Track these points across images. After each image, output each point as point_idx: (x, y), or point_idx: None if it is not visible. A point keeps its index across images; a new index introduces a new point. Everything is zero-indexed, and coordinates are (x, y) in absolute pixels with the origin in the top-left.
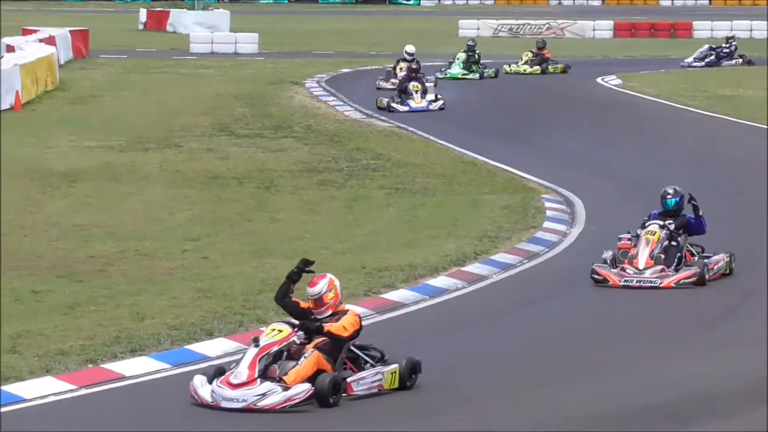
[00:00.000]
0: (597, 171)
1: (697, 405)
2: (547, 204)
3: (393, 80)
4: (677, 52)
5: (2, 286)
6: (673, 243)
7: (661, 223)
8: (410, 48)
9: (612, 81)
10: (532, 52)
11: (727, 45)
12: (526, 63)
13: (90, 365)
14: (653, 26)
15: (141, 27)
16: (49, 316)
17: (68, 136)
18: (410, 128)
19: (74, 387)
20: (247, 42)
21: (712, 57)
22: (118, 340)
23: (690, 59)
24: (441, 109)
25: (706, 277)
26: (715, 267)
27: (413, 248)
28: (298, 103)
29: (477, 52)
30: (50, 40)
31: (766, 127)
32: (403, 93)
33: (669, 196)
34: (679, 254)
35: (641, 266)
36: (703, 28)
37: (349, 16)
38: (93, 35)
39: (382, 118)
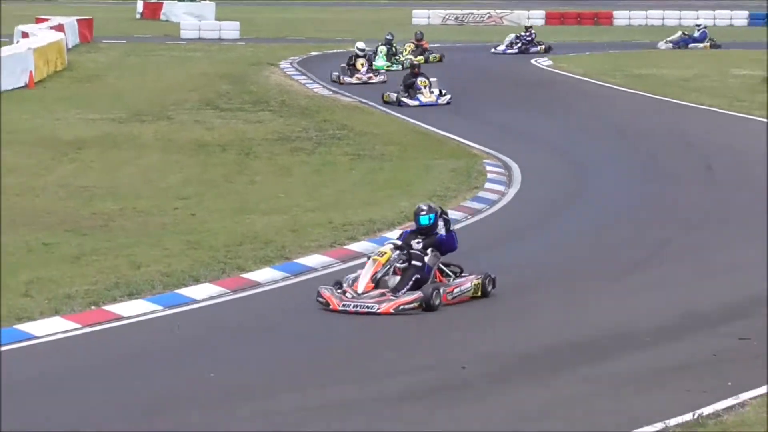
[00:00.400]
0: (531, 140)
1: (617, 341)
2: (488, 168)
3: (358, 75)
4: (599, 37)
5: (18, 239)
6: (414, 263)
7: (398, 243)
8: (360, 44)
9: (544, 62)
10: (413, 43)
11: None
12: (410, 53)
13: (93, 307)
14: (579, 15)
15: (138, 16)
16: (58, 264)
17: (75, 110)
18: (370, 103)
19: (79, 326)
20: (230, 29)
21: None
22: (118, 285)
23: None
24: (448, 103)
25: (435, 302)
26: (456, 290)
27: (373, 206)
28: (273, 81)
29: (394, 45)
30: (59, 28)
31: (675, 101)
32: (410, 88)
33: (422, 213)
34: (417, 276)
35: (360, 290)
36: (622, 17)
37: (318, 7)
38: (96, 23)
39: (346, 94)
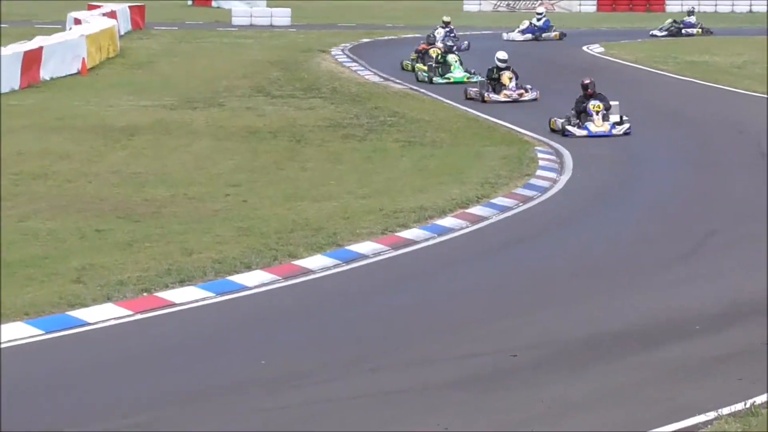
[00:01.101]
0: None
1: (665, 330)
2: (540, 155)
3: (506, 92)
4: (652, 23)
5: (70, 225)
6: None
7: None
8: (502, 54)
9: (596, 49)
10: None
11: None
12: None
13: (145, 294)
14: (631, 2)
15: (190, 3)
16: (110, 251)
17: (127, 96)
18: (422, 90)
19: (131, 312)
20: (281, 16)
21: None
22: (169, 272)
23: (656, 31)
24: (626, 133)
25: None
26: None
27: (424, 193)
28: (325, 68)
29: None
30: (111, 14)
31: (727, 88)
32: (582, 113)
33: None
34: None
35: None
36: (674, 3)
37: None
38: (148, 10)
39: (398, 81)
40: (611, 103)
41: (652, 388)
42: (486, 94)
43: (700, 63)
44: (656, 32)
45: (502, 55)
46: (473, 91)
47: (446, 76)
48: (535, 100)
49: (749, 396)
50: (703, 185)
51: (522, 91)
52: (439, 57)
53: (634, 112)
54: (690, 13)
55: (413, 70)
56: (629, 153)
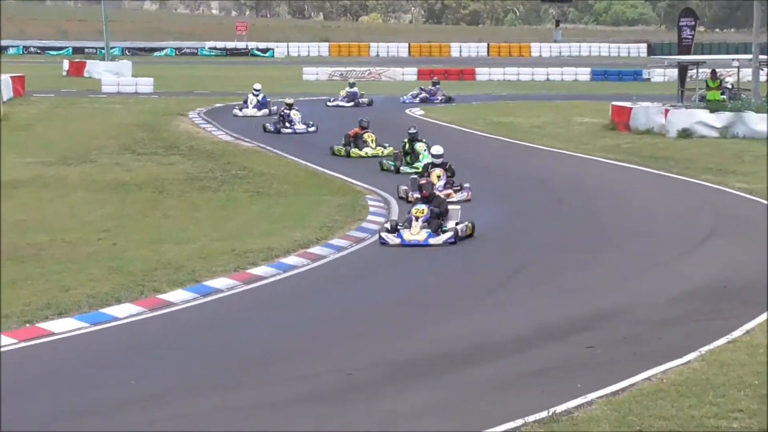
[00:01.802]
0: (406, 179)
1: (480, 350)
2: (370, 202)
3: (245, 110)
4: (464, 90)
5: None
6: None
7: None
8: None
9: (417, 112)
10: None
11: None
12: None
13: (28, 325)
14: (447, 71)
15: (65, 73)
16: None
17: (11, 154)
18: (267, 147)
19: (15, 341)
20: (145, 84)
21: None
22: (49, 305)
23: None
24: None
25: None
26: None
27: (271, 236)
28: (183, 129)
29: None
30: None
31: (529, 144)
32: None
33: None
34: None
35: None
36: (483, 73)
37: (221, 65)
38: (28, 80)
39: (246, 139)
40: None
41: (470, 401)
42: (410, 194)
43: (506, 123)
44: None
45: (436, 150)
46: (403, 189)
47: (415, 165)
48: (467, 201)
49: (551, 405)
50: (511, 227)
51: (450, 191)
52: (407, 146)
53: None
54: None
55: (347, 155)
56: None
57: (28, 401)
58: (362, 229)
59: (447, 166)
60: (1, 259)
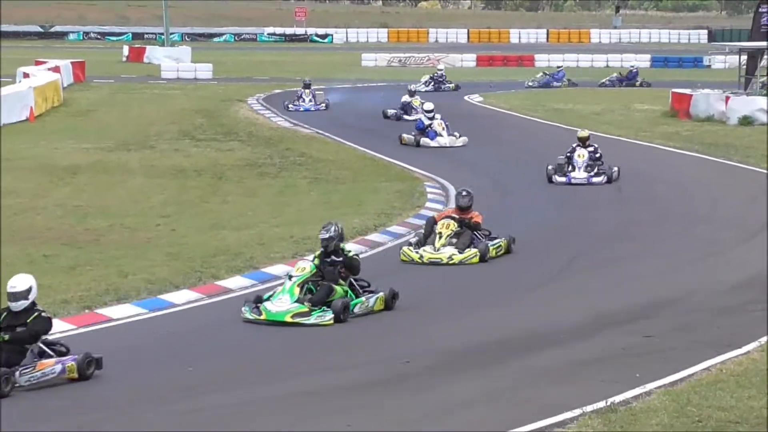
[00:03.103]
0: (465, 165)
1: (537, 339)
2: (428, 189)
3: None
4: (523, 76)
5: (20, 252)
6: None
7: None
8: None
9: (476, 99)
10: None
11: (558, 71)
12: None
13: (87, 311)
14: (505, 58)
15: (124, 59)
16: (56, 274)
17: (70, 140)
18: (326, 133)
19: (75, 327)
20: (204, 70)
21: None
22: (108, 291)
23: (528, 82)
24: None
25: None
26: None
27: None
28: (242, 115)
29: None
30: (56, 69)
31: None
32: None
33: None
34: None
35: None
36: (542, 60)
37: (280, 51)
38: (88, 65)
39: (305, 126)
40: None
41: (526, 390)
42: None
43: (566, 110)
44: (530, 83)
45: (428, 106)
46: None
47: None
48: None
49: (609, 395)
50: (571, 215)
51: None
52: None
53: (509, 153)
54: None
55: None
56: (505, 188)
57: (86, 387)
58: (420, 216)
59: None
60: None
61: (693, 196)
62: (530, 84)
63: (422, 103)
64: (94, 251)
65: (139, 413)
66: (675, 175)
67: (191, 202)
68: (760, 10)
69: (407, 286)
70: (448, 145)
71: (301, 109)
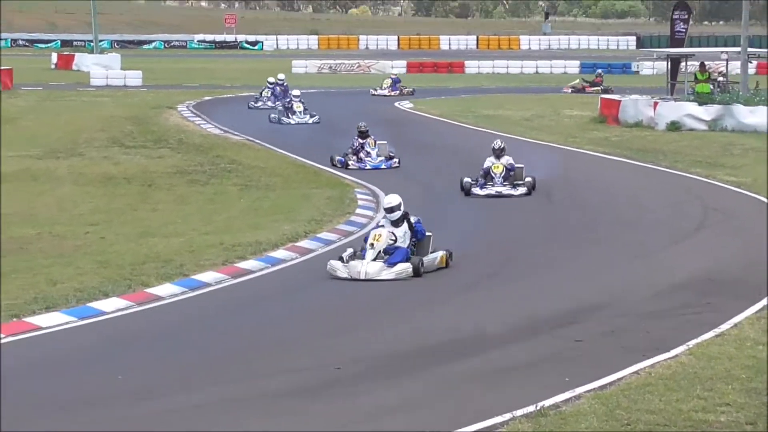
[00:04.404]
0: (395, 172)
1: (466, 344)
2: (359, 196)
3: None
4: (453, 83)
5: None
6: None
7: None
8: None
9: (406, 105)
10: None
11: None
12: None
13: (14, 319)
14: (435, 64)
15: (53, 66)
16: None
17: None
18: (257, 140)
19: (2, 335)
20: (134, 77)
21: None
22: (36, 300)
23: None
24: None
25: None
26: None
27: (259, 229)
28: (172, 122)
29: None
30: None
31: (519, 138)
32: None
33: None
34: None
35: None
36: (472, 66)
37: (210, 58)
38: (16, 72)
39: (235, 133)
40: (518, 165)
41: (456, 395)
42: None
43: (496, 116)
44: (566, 90)
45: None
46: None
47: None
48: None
49: (539, 399)
50: (498, 220)
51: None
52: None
53: (439, 159)
54: (599, 74)
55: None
56: (436, 194)
57: (14, 395)
58: (350, 223)
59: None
60: None
61: (622, 202)
62: (566, 91)
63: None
64: (21, 259)
65: (74, 422)
66: (604, 181)
67: (120, 210)
68: (674, 17)
69: (335, 292)
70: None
71: (368, 166)
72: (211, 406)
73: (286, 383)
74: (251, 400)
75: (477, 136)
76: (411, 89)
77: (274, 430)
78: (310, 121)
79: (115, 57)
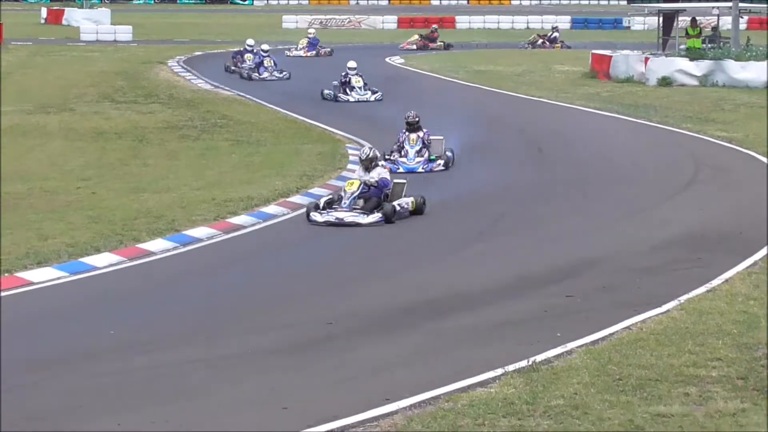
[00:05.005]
0: (387, 126)
1: (460, 300)
2: (350, 151)
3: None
4: (445, 38)
5: None
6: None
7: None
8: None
9: (397, 60)
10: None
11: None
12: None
13: (6, 274)
14: (426, 20)
15: (42, 21)
16: None
17: None
18: (247, 95)
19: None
20: (124, 33)
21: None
22: (28, 254)
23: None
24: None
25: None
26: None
27: (250, 185)
28: (163, 77)
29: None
30: None
31: (509, 93)
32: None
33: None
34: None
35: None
36: (463, 21)
37: (200, 13)
38: (5, 27)
39: (226, 88)
40: (434, 137)
41: (448, 350)
42: (339, 95)
43: (486, 72)
44: (525, 45)
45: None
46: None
47: (351, 95)
48: (380, 100)
49: (530, 355)
50: (491, 176)
51: (369, 93)
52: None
53: (432, 114)
54: (554, 28)
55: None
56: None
57: (7, 350)
58: (342, 178)
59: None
60: None
61: (614, 157)
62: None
63: None
64: (13, 215)
65: (66, 375)
66: (595, 136)
67: (111, 165)
68: None
69: (327, 247)
70: (363, 99)
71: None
72: (202, 361)
73: (280, 339)
74: (243, 356)
75: (468, 91)
76: (329, 49)
77: (269, 387)
78: (372, 98)
79: (105, 12)
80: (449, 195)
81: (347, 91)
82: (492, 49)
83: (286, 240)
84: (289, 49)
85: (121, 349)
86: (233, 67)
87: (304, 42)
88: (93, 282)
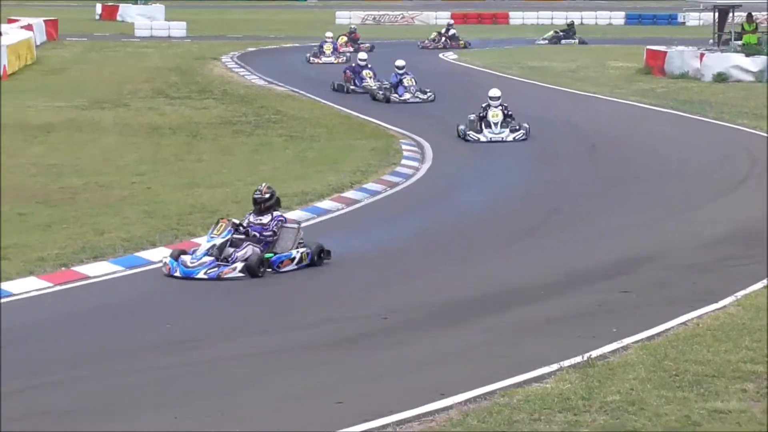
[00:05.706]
0: (440, 122)
1: (515, 295)
2: (404, 147)
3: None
4: (498, 35)
5: None
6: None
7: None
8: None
9: (450, 56)
10: (345, 36)
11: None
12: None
13: (63, 268)
14: (480, 15)
15: (97, 17)
16: (31, 232)
17: (43, 98)
18: (301, 91)
19: (51, 285)
20: (178, 29)
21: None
22: (84, 249)
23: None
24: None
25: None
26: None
27: (304, 180)
28: (216, 73)
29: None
30: (29, 27)
31: (564, 89)
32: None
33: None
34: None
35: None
36: (516, 17)
37: (253, 9)
38: (61, 23)
39: (280, 84)
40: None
41: (503, 345)
42: (391, 96)
43: (540, 68)
44: (540, 41)
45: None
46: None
47: (403, 97)
48: (432, 101)
49: (586, 350)
50: (544, 172)
51: (419, 93)
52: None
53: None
54: (569, 24)
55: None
56: (480, 146)
57: (63, 344)
58: (396, 174)
59: (506, 108)
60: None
61: (668, 153)
62: (541, 42)
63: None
64: (69, 209)
65: (113, 367)
66: (650, 132)
67: (166, 160)
68: None
69: (382, 243)
70: (415, 100)
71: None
72: (257, 356)
73: (335, 333)
74: (299, 350)
75: (523, 87)
76: (370, 45)
77: (318, 380)
78: (423, 97)
79: (159, 8)
80: (503, 187)
81: (398, 91)
82: (509, 47)
83: (340, 235)
84: (317, 54)
85: (176, 344)
86: (351, 86)
87: (343, 39)
88: (149, 276)
